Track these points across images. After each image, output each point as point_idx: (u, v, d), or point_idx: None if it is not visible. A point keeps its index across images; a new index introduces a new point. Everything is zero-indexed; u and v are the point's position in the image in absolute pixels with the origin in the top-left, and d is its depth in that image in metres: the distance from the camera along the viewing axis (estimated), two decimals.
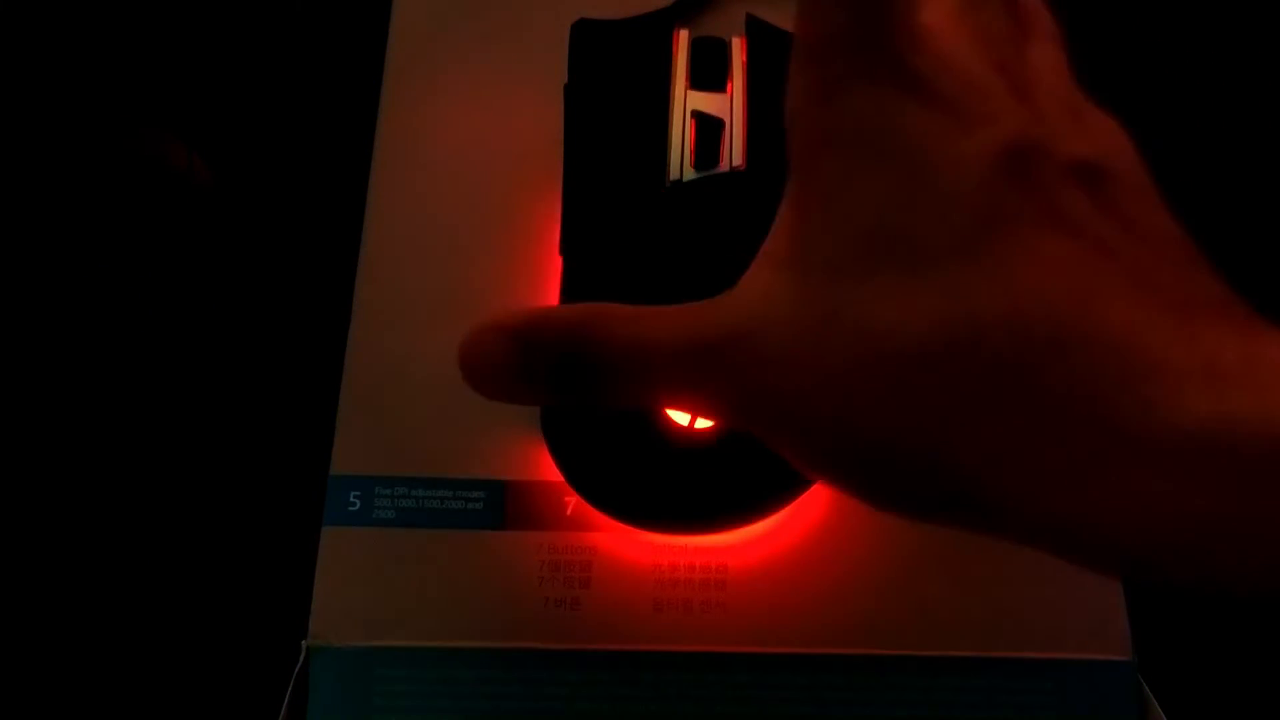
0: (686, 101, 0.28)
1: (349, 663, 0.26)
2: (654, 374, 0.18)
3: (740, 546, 0.27)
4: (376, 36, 0.34)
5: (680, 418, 0.27)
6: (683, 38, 0.29)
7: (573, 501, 0.28)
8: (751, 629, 0.27)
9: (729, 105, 0.28)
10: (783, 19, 0.30)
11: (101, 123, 0.37)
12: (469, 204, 0.31)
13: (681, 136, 0.27)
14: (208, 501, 0.32)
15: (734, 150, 0.27)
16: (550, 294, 0.30)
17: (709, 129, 0.27)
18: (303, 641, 0.26)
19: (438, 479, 0.28)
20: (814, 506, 0.28)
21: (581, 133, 0.29)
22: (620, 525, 0.27)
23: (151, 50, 0.38)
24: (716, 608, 0.27)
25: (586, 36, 0.30)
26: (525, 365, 0.20)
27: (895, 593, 0.27)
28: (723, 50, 0.30)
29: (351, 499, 0.28)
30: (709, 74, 0.29)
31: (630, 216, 0.28)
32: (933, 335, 0.14)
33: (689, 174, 0.27)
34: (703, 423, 0.26)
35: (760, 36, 0.30)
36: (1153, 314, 0.14)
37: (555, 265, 0.30)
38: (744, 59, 0.29)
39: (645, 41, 0.30)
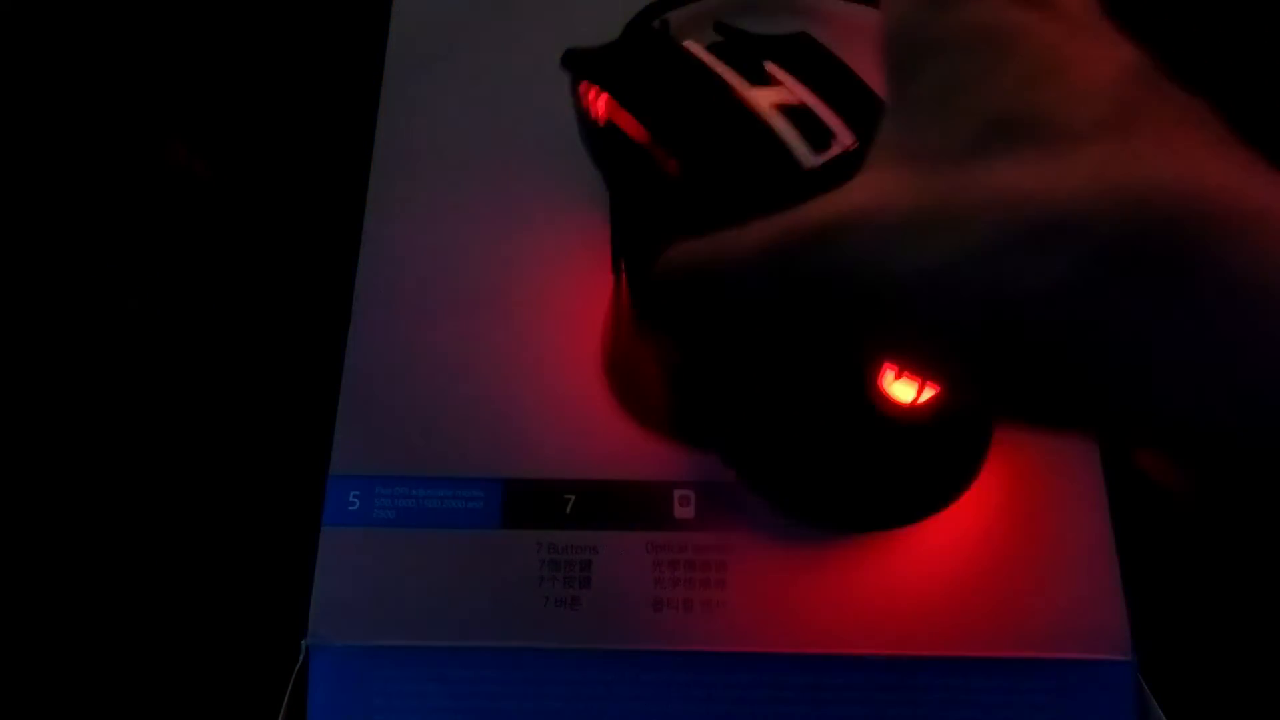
0: (759, 98, 0.27)
1: (348, 662, 0.26)
2: (750, 274, 0.17)
3: (740, 546, 0.27)
4: (376, 36, 0.34)
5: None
6: (698, 49, 0.28)
7: (572, 499, 0.28)
8: (751, 629, 0.27)
9: (791, 94, 0.27)
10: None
11: (102, 122, 0.37)
12: (468, 204, 0.31)
13: (787, 128, 0.26)
14: (207, 501, 0.32)
15: (837, 130, 0.26)
16: (549, 297, 0.30)
17: (806, 117, 0.26)
18: (302, 641, 0.26)
19: (437, 478, 0.28)
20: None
21: (686, 135, 0.28)
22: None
23: (152, 50, 0.38)
24: (716, 608, 0.27)
25: (583, 62, 0.29)
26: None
27: (895, 593, 0.27)
28: (742, 51, 0.29)
29: (351, 498, 0.28)
30: (747, 72, 0.28)
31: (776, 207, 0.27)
32: (1090, 198, 0.14)
33: (812, 160, 0.26)
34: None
35: (743, 41, 0.29)
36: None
37: (555, 264, 0.30)
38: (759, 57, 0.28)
39: (647, 57, 0.29)
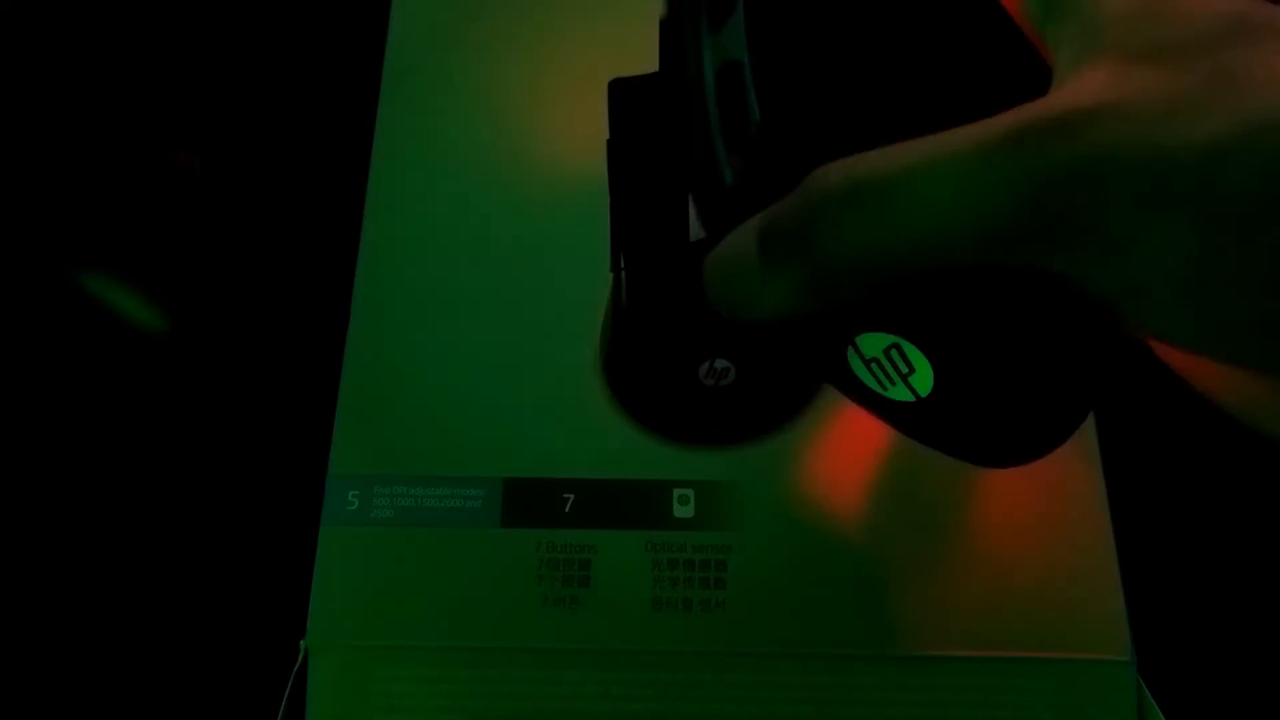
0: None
1: (347, 662, 0.26)
2: (959, 184, 0.15)
3: (741, 544, 0.27)
4: (376, 36, 0.34)
5: None
6: None
7: (572, 498, 0.28)
8: (751, 629, 0.27)
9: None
10: None
11: (102, 122, 0.37)
12: (468, 204, 0.32)
13: (714, 112, 0.21)
14: (207, 501, 0.32)
15: (750, 111, 0.21)
16: (549, 296, 0.30)
17: (730, 94, 0.21)
18: (301, 641, 0.26)
19: (436, 478, 0.28)
20: (814, 505, 0.28)
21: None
22: (620, 526, 0.27)
23: (152, 50, 0.38)
24: (716, 608, 0.27)
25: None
26: (781, 257, 0.17)
27: (895, 593, 0.27)
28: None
29: (350, 498, 0.28)
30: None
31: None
32: None
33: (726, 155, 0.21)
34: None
35: None
36: None
37: (555, 264, 0.30)
38: None
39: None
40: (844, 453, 0.28)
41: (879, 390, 0.22)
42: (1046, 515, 0.28)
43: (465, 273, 0.31)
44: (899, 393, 0.22)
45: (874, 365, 0.21)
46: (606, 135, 0.28)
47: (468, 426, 0.29)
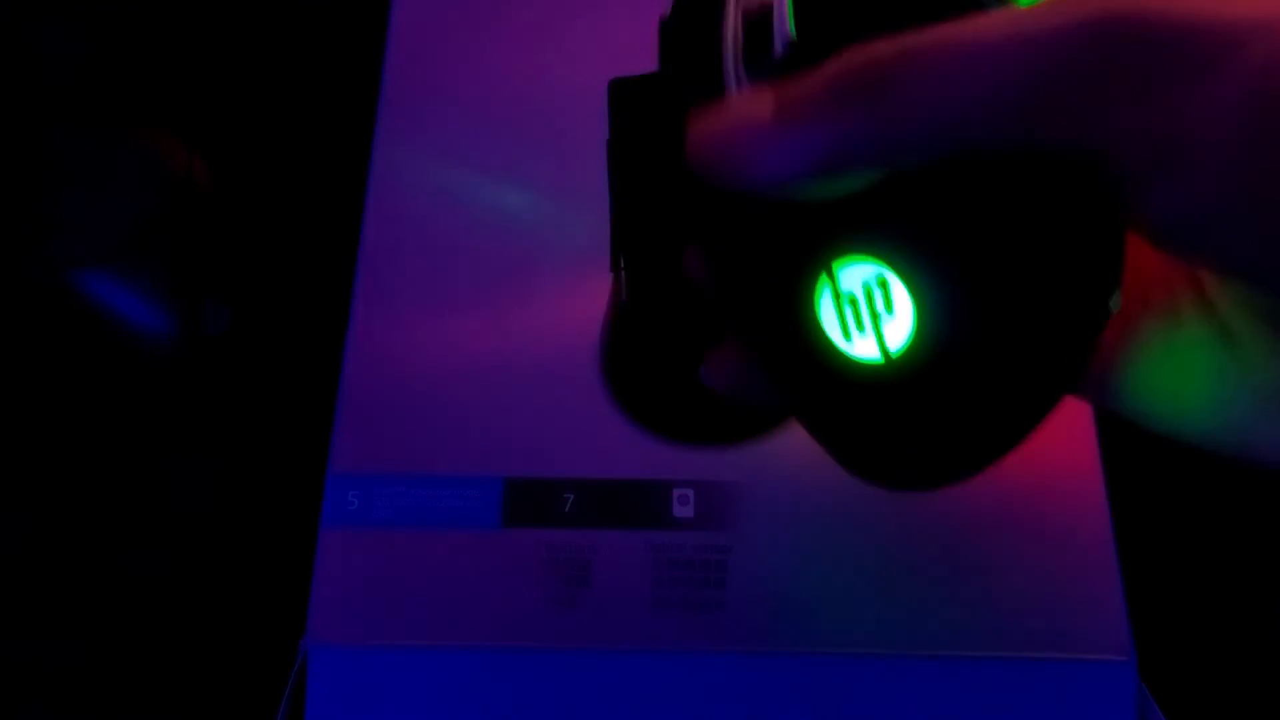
0: (739, 5, 0.21)
1: (347, 662, 0.26)
2: (1002, 42, 0.15)
3: (740, 544, 0.27)
4: (376, 36, 0.34)
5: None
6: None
7: (571, 498, 0.28)
8: (751, 629, 0.27)
9: None
10: None
11: (102, 124, 0.37)
12: (468, 203, 0.31)
13: (734, 42, 0.21)
14: (207, 501, 0.32)
15: (781, 25, 0.20)
16: (549, 296, 0.30)
17: (757, 27, 0.21)
18: (301, 641, 0.26)
19: (436, 477, 0.28)
20: (814, 504, 0.28)
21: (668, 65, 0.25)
22: (621, 525, 0.27)
23: (152, 50, 0.38)
24: (716, 608, 0.27)
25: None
26: (801, 100, 0.16)
27: (895, 593, 0.27)
28: None
29: (350, 498, 0.28)
30: None
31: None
32: None
33: (744, 81, 0.20)
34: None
35: None
36: None
37: (555, 264, 0.30)
38: None
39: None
40: None
41: (838, 347, 0.20)
42: (1046, 515, 0.28)
43: (465, 272, 0.31)
44: (865, 348, 0.19)
45: (848, 305, 0.19)
46: (606, 135, 0.28)
47: (468, 426, 0.29)
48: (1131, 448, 0.29)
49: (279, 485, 0.31)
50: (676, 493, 0.28)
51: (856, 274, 0.19)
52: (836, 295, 0.19)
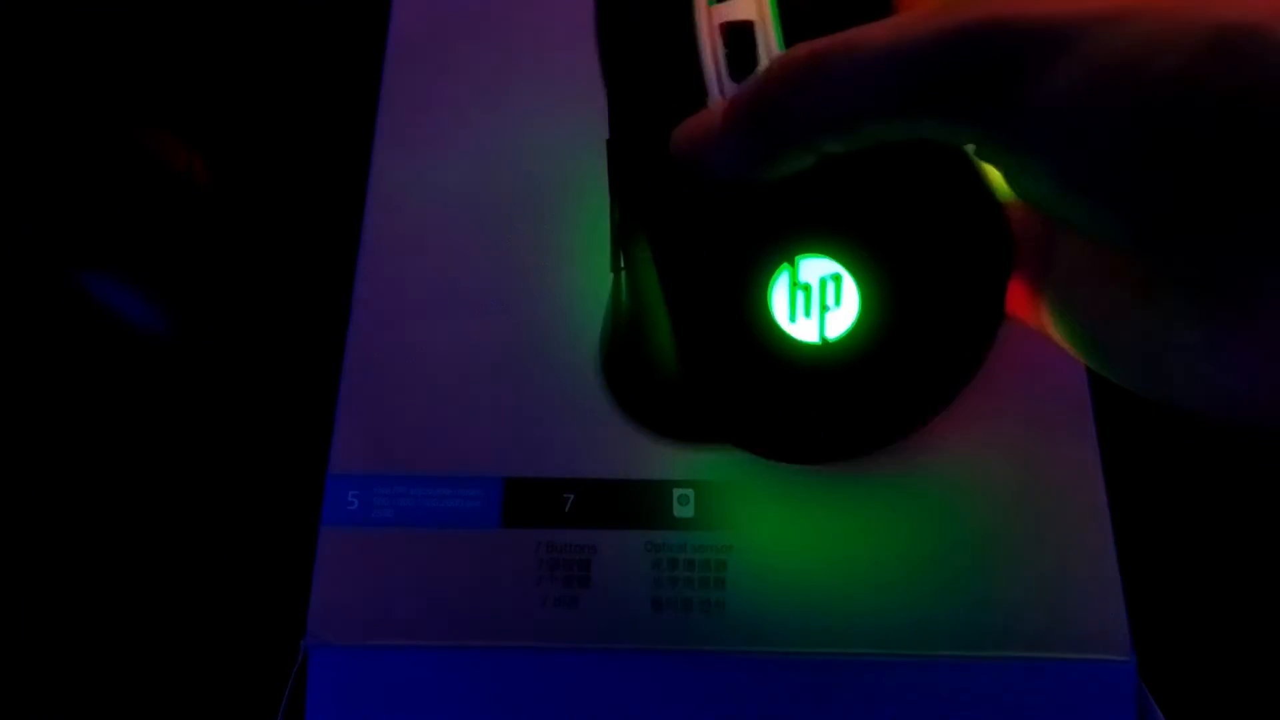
0: (711, 17, 0.25)
1: (348, 662, 0.26)
2: (895, 42, 0.17)
3: (740, 544, 0.27)
4: (376, 36, 0.34)
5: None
6: None
7: (571, 498, 0.28)
8: (751, 629, 0.27)
9: (756, 7, 0.25)
10: None
11: (102, 124, 0.37)
12: (469, 203, 0.31)
13: (714, 52, 0.25)
14: (207, 501, 0.32)
15: (770, 46, 0.25)
16: (549, 296, 0.30)
17: (739, 35, 0.25)
18: (301, 641, 0.26)
19: (436, 477, 0.28)
20: (814, 505, 0.28)
21: (616, 78, 0.28)
22: (620, 523, 0.27)
23: (152, 50, 0.38)
24: (716, 608, 0.27)
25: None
26: (747, 101, 0.20)
27: (895, 593, 0.27)
28: None
29: (350, 498, 0.28)
30: None
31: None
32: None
33: (729, 87, 0.25)
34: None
35: None
36: None
37: (555, 264, 0.30)
38: None
39: None
40: None
41: (781, 326, 0.23)
42: (1046, 515, 0.28)
43: (465, 272, 0.31)
44: (805, 331, 0.23)
45: (801, 291, 0.23)
46: (607, 135, 0.28)
47: (468, 426, 0.29)
48: (1131, 446, 0.29)
49: (279, 485, 0.31)
50: (677, 493, 0.28)
51: (816, 268, 0.23)
52: (794, 283, 0.23)
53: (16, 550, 0.31)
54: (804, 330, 0.23)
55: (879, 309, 0.23)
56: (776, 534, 0.27)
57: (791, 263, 0.23)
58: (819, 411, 0.24)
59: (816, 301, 0.23)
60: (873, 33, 0.18)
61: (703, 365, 0.24)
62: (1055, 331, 0.21)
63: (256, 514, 0.31)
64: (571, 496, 0.28)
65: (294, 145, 0.37)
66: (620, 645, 0.26)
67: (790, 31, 0.25)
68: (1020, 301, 0.22)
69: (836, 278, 0.23)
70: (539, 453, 0.28)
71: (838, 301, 0.23)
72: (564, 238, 0.30)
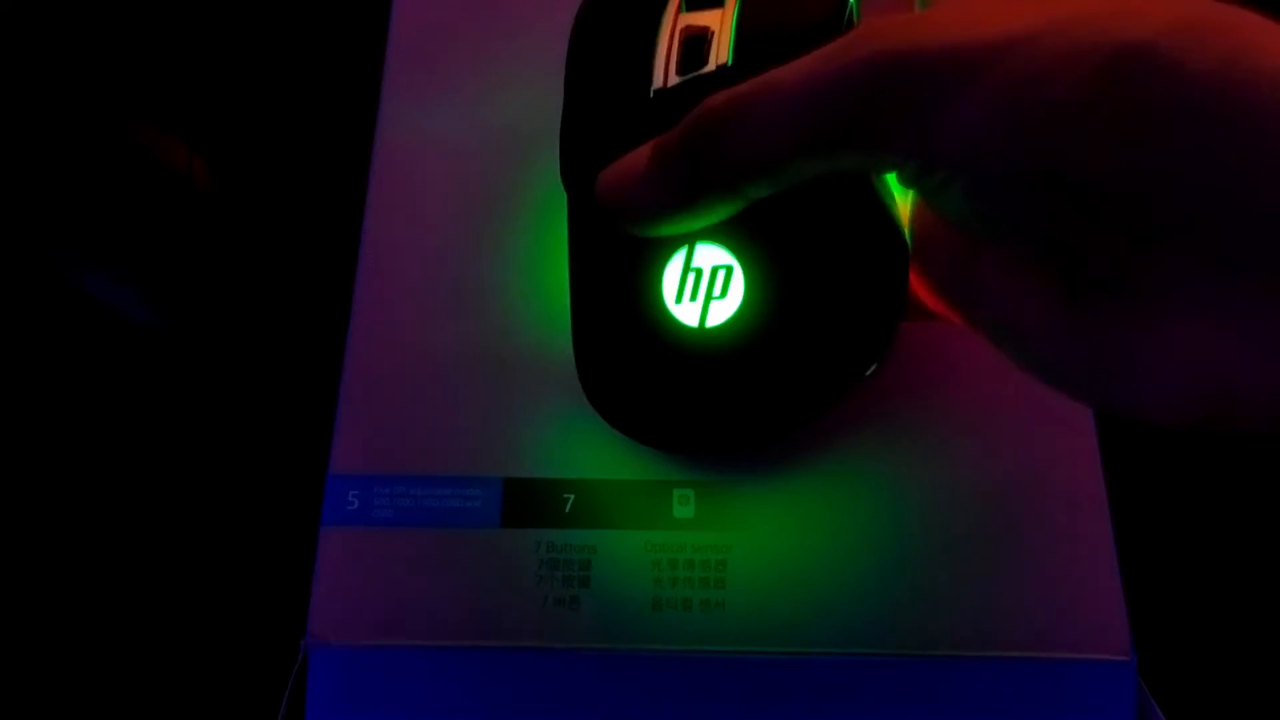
0: (678, 21, 0.26)
1: (348, 662, 0.26)
2: (793, 97, 0.18)
3: (741, 544, 0.27)
4: (377, 37, 0.34)
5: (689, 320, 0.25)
6: None
7: (572, 498, 0.28)
8: (751, 629, 0.27)
9: (720, 17, 0.26)
10: None
11: (102, 123, 0.37)
12: (469, 204, 0.32)
13: (669, 48, 0.26)
14: (207, 501, 0.32)
15: (720, 49, 0.25)
16: (550, 296, 0.30)
17: (697, 41, 0.26)
18: (302, 641, 0.26)
19: (436, 477, 0.28)
20: (815, 504, 0.28)
21: (576, 67, 0.28)
22: (620, 522, 0.27)
23: (152, 51, 0.38)
24: (716, 608, 0.27)
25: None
26: (660, 159, 0.20)
27: (895, 593, 0.27)
28: None
29: (350, 498, 0.28)
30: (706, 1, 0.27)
31: (622, 133, 0.26)
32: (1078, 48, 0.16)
33: (674, 80, 0.26)
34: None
35: None
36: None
37: (555, 264, 0.30)
38: None
39: None
40: (843, 452, 0.28)
41: (666, 304, 0.24)
42: (1046, 515, 0.28)
43: (466, 271, 0.31)
44: (688, 313, 0.24)
45: (691, 274, 0.24)
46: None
47: (468, 426, 0.29)
48: (1131, 446, 0.29)
49: (279, 485, 0.31)
50: (677, 493, 0.28)
51: (710, 255, 0.24)
52: (687, 265, 0.24)
53: (17, 550, 0.31)
54: (687, 314, 0.25)
55: (761, 305, 0.24)
56: (776, 534, 0.27)
57: (689, 245, 0.24)
58: (688, 394, 0.25)
59: (704, 288, 0.24)
60: (785, 75, 0.18)
61: (587, 332, 0.26)
62: (989, 338, 0.21)
63: (256, 514, 0.31)
64: (572, 497, 0.28)
65: (294, 145, 0.37)
66: (620, 645, 0.26)
67: (742, 41, 0.25)
68: (945, 308, 0.22)
69: (729, 269, 0.24)
70: (539, 453, 0.28)
71: (724, 292, 0.24)
72: (565, 238, 0.30)
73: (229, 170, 0.37)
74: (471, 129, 0.33)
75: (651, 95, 0.26)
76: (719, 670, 0.26)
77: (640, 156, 0.20)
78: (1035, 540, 0.27)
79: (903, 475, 0.28)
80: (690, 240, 0.24)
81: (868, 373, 0.25)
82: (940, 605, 0.27)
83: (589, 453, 0.28)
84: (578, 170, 0.27)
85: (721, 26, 0.26)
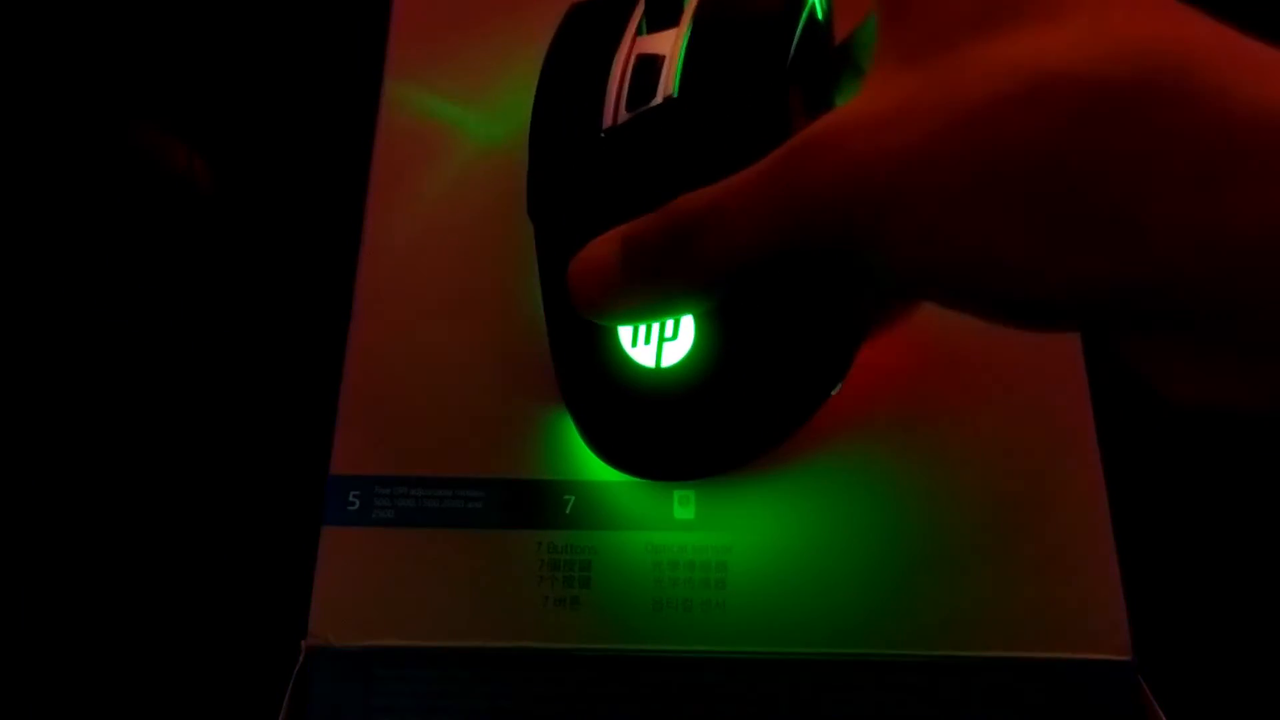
0: (634, 46, 0.27)
1: (348, 663, 0.26)
2: (750, 211, 0.18)
3: (740, 545, 0.27)
4: (378, 37, 0.34)
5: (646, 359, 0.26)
6: None
7: (572, 500, 0.28)
8: (751, 629, 0.27)
9: (672, 42, 0.26)
10: None
11: (102, 124, 0.37)
12: (469, 204, 0.31)
13: (621, 79, 0.26)
14: (208, 501, 0.32)
15: (665, 81, 0.25)
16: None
17: (646, 68, 0.26)
18: (302, 641, 0.26)
19: (437, 478, 0.28)
20: (815, 504, 0.28)
21: (540, 94, 0.29)
22: (621, 522, 0.27)
23: (152, 51, 0.38)
24: (716, 608, 0.27)
25: (573, 18, 0.30)
26: (630, 259, 0.20)
27: (895, 593, 0.27)
28: None
29: (351, 499, 0.28)
30: (665, 17, 0.27)
31: (577, 171, 0.27)
32: (1077, 56, 0.15)
33: (623, 116, 0.26)
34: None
35: None
36: (1221, 45, 0.16)
37: None
38: None
39: (620, 7, 0.29)
40: (843, 453, 0.28)
41: (623, 346, 0.25)
42: (1046, 515, 0.28)
43: (467, 272, 0.31)
44: (644, 356, 0.25)
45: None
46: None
47: (469, 427, 0.29)
48: (1132, 446, 0.29)
49: (279, 485, 0.31)
50: (677, 494, 0.28)
51: None
52: None
53: (17, 550, 0.31)
54: (642, 355, 0.25)
55: (712, 343, 0.24)
56: (776, 535, 0.27)
57: None
58: (652, 430, 0.26)
59: (658, 330, 0.25)
60: (737, 185, 0.19)
61: (562, 361, 0.27)
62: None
63: (257, 514, 0.31)
64: (572, 498, 0.28)
65: (294, 146, 0.37)
66: (620, 645, 0.26)
67: (690, 71, 0.26)
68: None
69: None
70: (540, 454, 0.28)
71: (675, 334, 0.25)
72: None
73: (229, 171, 0.37)
74: (474, 128, 0.33)
75: (602, 134, 0.26)
76: (719, 670, 0.26)
77: (609, 249, 0.21)
78: (1035, 540, 0.28)
79: (902, 476, 0.28)
80: None
81: (831, 393, 0.25)
82: (940, 605, 0.27)
83: (590, 454, 0.28)
84: (539, 206, 0.28)
85: (671, 53, 0.26)
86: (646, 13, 0.27)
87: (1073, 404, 0.29)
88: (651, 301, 0.21)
